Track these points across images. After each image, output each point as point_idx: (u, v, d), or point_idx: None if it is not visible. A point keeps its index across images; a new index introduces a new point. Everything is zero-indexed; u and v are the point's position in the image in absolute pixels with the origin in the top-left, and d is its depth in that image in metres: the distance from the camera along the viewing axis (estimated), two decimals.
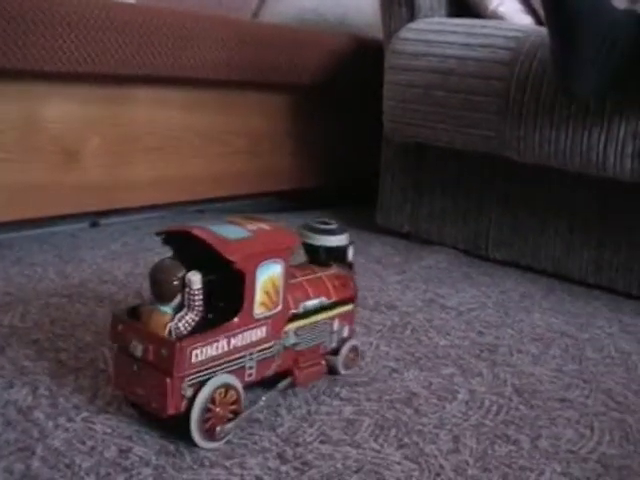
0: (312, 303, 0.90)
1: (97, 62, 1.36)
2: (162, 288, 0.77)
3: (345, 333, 0.95)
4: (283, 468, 0.75)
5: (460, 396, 0.95)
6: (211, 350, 0.76)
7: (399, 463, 0.78)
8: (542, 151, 1.35)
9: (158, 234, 0.81)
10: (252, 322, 0.80)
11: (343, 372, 0.96)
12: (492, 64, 1.40)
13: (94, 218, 1.59)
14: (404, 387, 0.96)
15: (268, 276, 0.81)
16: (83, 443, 0.76)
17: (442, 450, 0.82)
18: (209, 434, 0.77)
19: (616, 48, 1.17)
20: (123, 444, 0.77)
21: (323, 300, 0.91)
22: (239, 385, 0.80)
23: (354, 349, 0.98)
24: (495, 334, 1.18)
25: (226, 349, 0.78)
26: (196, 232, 0.79)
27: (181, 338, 0.75)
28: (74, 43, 1.32)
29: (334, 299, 0.93)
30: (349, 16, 2.14)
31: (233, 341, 0.79)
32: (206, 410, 0.76)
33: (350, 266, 0.99)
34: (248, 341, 0.80)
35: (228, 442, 0.79)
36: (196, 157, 1.64)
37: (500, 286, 1.42)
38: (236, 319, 0.79)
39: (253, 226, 0.84)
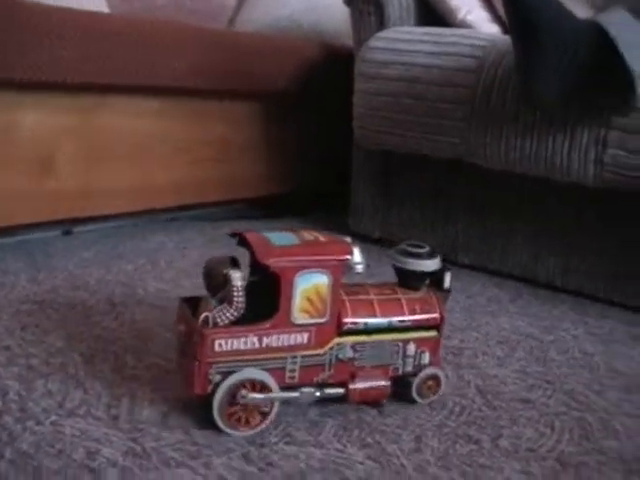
0: (377, 321, 0.90)
1: (70, 71, 1.37)
2: (208, 281, 0.87)
3: (425, 360, 0.94)
4: (247, 468, 0.77)
5: None
6: (238, 344, 0.82)
7: (361, 462, 0.80)
8: (508, 157, 1.38)
9: (231, 235, 0.90)
10: (289, 326, 0.84)
11: (418, 400, 0.95)
12: (458, 72, 1.42)
13: (67, 226, 1.60)
14: None
15: (312, 284, 0.84)
16: (51, 446, 0.78)
17: (404, 450, 0.84)
18: (234, 423, 0.83)
19: (578, 56, 1.20)
20: (91, 446, 0.78)
21: (393, 320, 0.91)
22: (272, 383, 0.84)
23: (433, 377, 0.95)
24: (460, 337, 1.20)
25: (257, 346, 0.83)
26: (245, 235, 0.86)
27: (207, 327, 0.81)
28: (47, 52, 1.33)
29: (409, 322, 0.93)
30: (322, 23, 2.15)
31: (266, 340, 0.83)
32: (232, 398, 0.82)
33: (447, 292, 0.98)
34: (285, 344, 0.84)
35: (194, 443, 0.81)
36: (165, 165, 1.66)
37: (467, 290, 1.45)
38: (270, 320, 0.83)
39: (309, 236, 0.88)
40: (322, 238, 0.88)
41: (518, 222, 1.51)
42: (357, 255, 0.90)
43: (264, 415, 0.85)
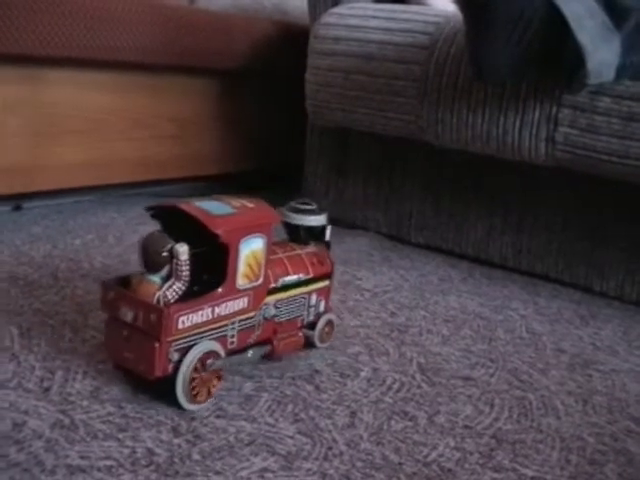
0: (291, 278, 0.95)
1: (21, 42, 1.34)
2: (152, 258, 0.82)
3: (321, 308, 1.01)
4: (175, 441, 0.76)
5: (363, 374, 0.97)
6: (196, 317, 0.81)
7: (292, 437, 0.79)
8: (459, 135, 1.37)
9: (148, 209, 0.87)
10: (235, 292, 0.85)
11: (319, 345, 1.02)
12: (411, 49, 1.41)
13: (17, 202, 1.57)
14: (308, 365, 0.97)
15: (251, 250, 0.86)
16: None
17: (337, 425, 0.83)
18: (194, 397, 0.82)
19: (528, 31, 1.19)
20: (18, 418, 0.77)
21: (301, 276, 0.96)
22: (222, 352, 0.85)
23: (330, 323, 1.03)
24: (407, 315, 1.20)
25: (210, 317, 0.83)
26: (184, 207, 0.85)
27: (169, 305, 0.79)
28: None
29: (311, 275, 0.98)
30: (285, 2, 2.14)
31: (217, 310, 0.84)
32: (192, 374, 0.81)
33: (328, 245, 1.04)
34: (231, 310, 0.85)
35: (124, 416, 0.80)
36: (122, 140, 1.63)
37: (419, 270, 1.44)
38: (220, 289, 0.83)
39: (237, 203, 0.89)
40: (248, 203, 0.91)
41: (472, 202, 1.50)
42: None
43: (219, 379, 0.86)
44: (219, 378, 0.86)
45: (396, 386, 0.94)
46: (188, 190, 1.86)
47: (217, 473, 0.72)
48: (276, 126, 1.96)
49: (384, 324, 1.15)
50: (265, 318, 0.91)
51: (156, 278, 0.82)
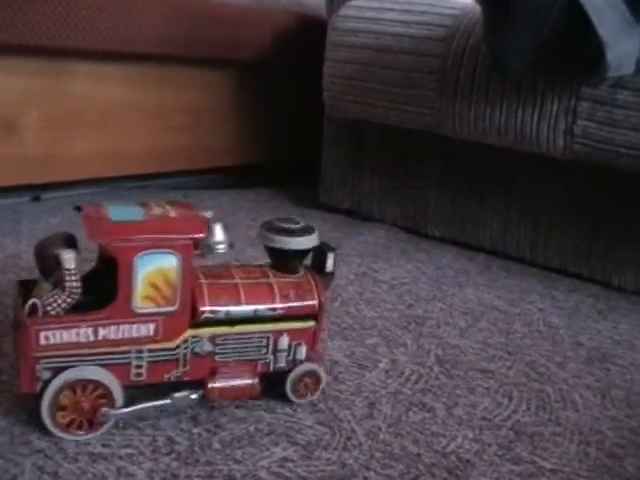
0: (241, 310, 0.78)
1: (36, 34, 1.34)
2: (40, 263, 0.74)
3: (301, 354, 0.82)
4: (195, 430, 0.76)
5: (381, 365, 0.97)
6: (69, 336, 0.71)
7: (311, 427, 0.79)
8: (477, 127, 1.37)
9: (76, 209, 0.78)
10: (131, 316, 0.72)
11: (295, 400, 0.84)
12: (428, 41, 1.40)
13: (35, 192, 1.58)
14: (326, 355, 0.97)
15: (157, 268, 0.72)
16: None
17: (356, 416, 0.83)
18: (66, 426, 0.73)
19: (549, 21, 1.18)
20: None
21: (260, 309, 0.78)
22: (111, 380, 0.73)
23: (311, 374, 0.83)
24: (425, 307, 1.19)
25: (92, 338, 0.72)
26: (84, 209, 0.75)
27: (33, 318, 0.70)
28: (13, 14, 1.30)
29: (280, 311, 0.79)
30: None
31: (102, 331, 0.72)
32: (61, 398, 0.72)
33: (329, 276, 0.86)
34: (127, 336, 0.73)
35: None
36: (136, 132, 1.63)
37: (436, 262, 1.44)
38: (106, 309, 0.72)
39: (158, 211, 0.76)
40: (173, 213, 0.76)
41: (489, 195, 1.50)
42: (218, 233, 0.77)
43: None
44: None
45: (414, 377, 0.94)
46: (202, 182, 1.86)
47: (237, 462, 0.72)
48: (292, 118, 1.96)
49: (401, 316, 1.15)
50: (196, 354, 0.76)
51: (47, 285, 0.73)
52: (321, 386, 0.84)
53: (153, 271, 0.72)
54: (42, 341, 0.70)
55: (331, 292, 1.16)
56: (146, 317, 0.73)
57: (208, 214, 0.79)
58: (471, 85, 1.36)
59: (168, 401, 0.76)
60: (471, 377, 0.96)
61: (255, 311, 0.78)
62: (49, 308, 0.71)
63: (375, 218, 1.66)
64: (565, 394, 0.94)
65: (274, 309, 0.79)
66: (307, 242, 0.82)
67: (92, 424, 0.73)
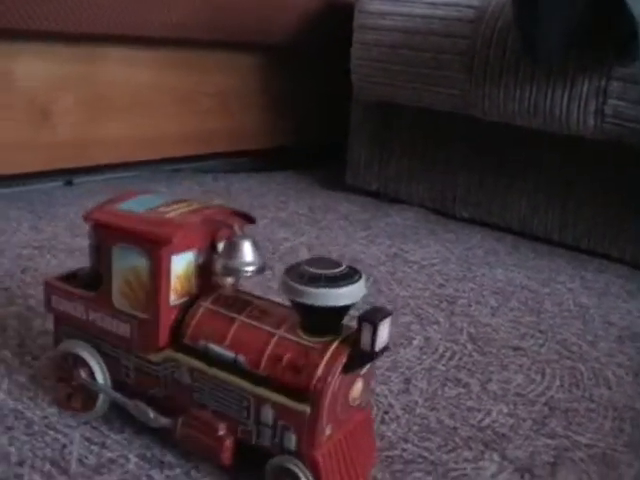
0: (220, 351, 0.64)
1: (70, 21, 1.36)
2: None
3: (290, 442, 0.61)
4: None
5: (415, 342, 0.98)
6: (67, 306, 0.72)
7: None
8: (506, 109, 1.37)
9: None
10: (110, 308, 0.69)
11: None
12: (457, 22, 1.41)
13: (68, 177, 1.60)
14: None
15: (131, 265, 0.66)
16: (47, 378, 0.79)
17: (393, 391, 0.85)
18: (66, 400, 0.75)
19: (579, 6, 1.18)
20: None
21: (240, 359, 0.63)
22: (103, 369, 0.72)
23: (289, 475, 0.62)
24: (455, 287, 1.20)
25: (84, 317, 0.71)
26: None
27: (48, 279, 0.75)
28: (48, 1, 1.32)
29: (262, 372, 0.62)
30: None
31: (92, 314, 0.70)
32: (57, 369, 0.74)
33: (368, 355, 0.61)
34: (110, 329, 0.69)
35: None
36: (167, 116, 1.65)
37: (465, 243, 1.45)
38: (95, 293, 0.70)
39: (174, 209, 0.69)
40: (182, 214, 0.67)
41: (517, 176, 1.50)
42: (247, 252, 0.66)
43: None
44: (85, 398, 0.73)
45: (448, 354, 0.95)
46: (231, 165, 1.88)
47: None
48: (319, 101, 1.96)
49: (433, 295, 1.16)
50: (176, 381, 0.66)
51: None
52: None
53: (128, 268, 0.66)
54: (53, 302, 0.73)
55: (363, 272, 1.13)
56: (123, 316, 0.68)
57: (238, 228, 0.68)
58: (500, 66, 1.36)
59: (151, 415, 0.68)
60: (504, 354, 0.97)
61: (235, 359, 0.63)
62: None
63: (402, 200, 1.66)
64: (597, 372, 0.95)
65: (255, 365, 0.63)
66: (344, 296, 0.62)
67: (86, 405, 0.73)
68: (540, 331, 1.06)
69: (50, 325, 0.89)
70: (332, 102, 1.91)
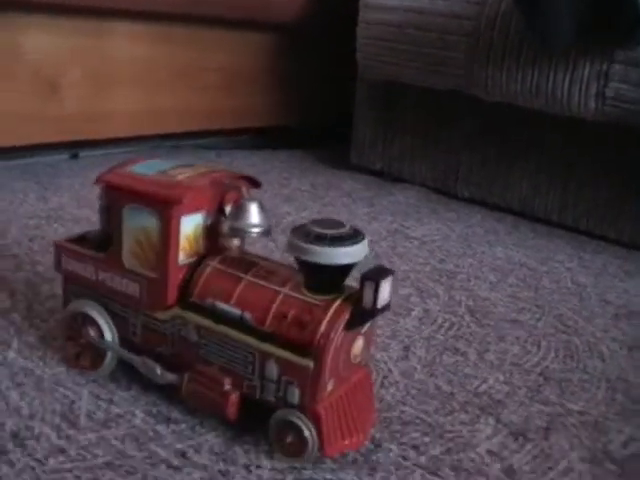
0: (227, 308, 0.66)
1: None
2: None
3: (293, 397, 0.64)
4: None
5: (414, 313, 1.00)
6: (77, 266, 0.74)
7: None
8: (509, 89, 1.38)
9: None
10: (121, 268, 0.70)
11: (273, 454, 0.67)
12: (462, 3, 1.42)
13: (74, 150, 1.62)
14: None
15: (141, 226, 0.68)
16: (55, 339, 0.82)
17: (392, 357, 0.87)
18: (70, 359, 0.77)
19: None
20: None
21: (247, 316, 0.65)
22: (111, 328, 0.74)
23: (294, 429, 0.65)
24: (455, 262, 1.22)
25: (94, 278, 0.73)
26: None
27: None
28: None
29: (268, 328, 0.65)
30: None
31: (101, 274, 0.72)
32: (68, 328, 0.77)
33: (367, 312, 0.63)
34: (119, 288, 0.71)
35: None
36: (172, 91, 1.67)
37: (466, 222, 1.47)
38: (105, 253, 0.72)
39: (182, 172, 0.70)
40: (190, 176, 0.69)
41: (518, 157, 1.52)
42: (253, 214, 0.68)
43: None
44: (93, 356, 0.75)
45: (447, 325, 0.98)
46: (235, 143, 1.90)
47: None
48: (323, 80, 1.98)
49: (433, 269, 1.18)
50: (182, 338, 0.69)
51: None
52: (307, 453, 0.65)
53: (139, 228, 0.68)
54: (63, 264, 0.75)
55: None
56: (133, 275, 0.70)
57: (245, 190, 0.71)
58: (503, 48, 1.37)
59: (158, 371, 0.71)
60: (501, 327, 0.99)
61: (241, 316, 0.66)
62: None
63: (405, 179, 1.68)
64: (592, 345, 0.97)
65: (261, 322, 0.65)
66: (346, 255, 0.63)
67: (95, 364, 0.75)
68: (537, 306, 1.08)
69: (57, 290, 0.92)
70: (337, 81, 1.93)
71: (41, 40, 1.42)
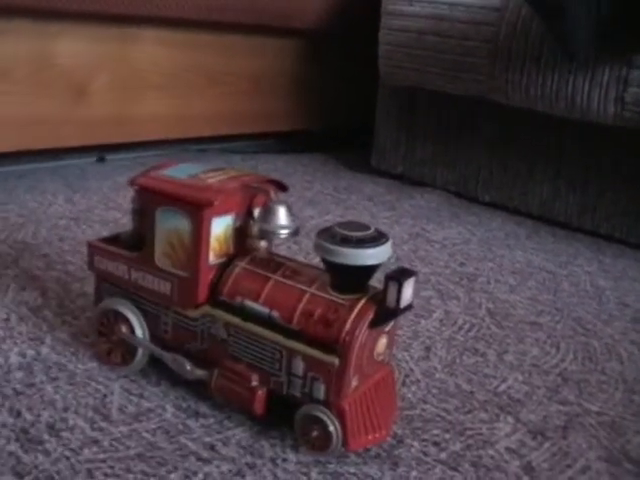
0: (256, 307, 0.69)
1: (106, 2, 1.40)
2: None
3: (318, 393, 0.66)
4: None
5: (435, 315, 1.02)
6: (109, 266, 0.77)
7: None
8: (529, 95, 1.40)
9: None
10: (153, 267, 0.73)
11: (300, 442, 0.69)
12: (482, 10, 1.44)
13: (101, 153, 1.66)
14: None
15: (174, 227, 0.70)
16: (86, 336, 0.85)
17: (413, 357, 0.89)
18: (107, 354, 0.79)
19: (602, 5, 1.21)
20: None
21: (274, 314, 0.68)
22: (143, 326, 0.76)
23: (319, 424, 0.67)
24: (476, 266, 1.24)
25: (126, 277, 0.75)
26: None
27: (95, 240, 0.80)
28: None
29: (295, 326, 0.67)
30: None
31: (134, 274, 0.75)
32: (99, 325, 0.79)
33: (390, 311, 0.65)
34: (151, 287, 0.74)
35: None
36: (198, 96, 1.70)
37: (486, 225, 1.48)
38: (138, 253, 0.74)
39: (213, 175, 0.73)
40: (221, 180, 0.71)
41: (538, 161, 1.54)
42: (282, 216, 0.71)
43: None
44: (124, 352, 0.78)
45: (467, 326, 1.00)
46: (259, 146, 1.92)
47: None
48: (346, 85, 2.00)
49: (454, 272, 1.20)
50: (212, 335, 0.71)
51: None
52: (332, 447, 0.67)
53: (171, 229, 0.71)
54: (95, 262, 0.78)
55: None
56: (164, 274, 0.72)
57: (273, 193, 0.73)
58: (524, 53, 1.39)
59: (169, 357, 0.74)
60: (520, 328, 1.01)
61: (269, 314, 0.68)
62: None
63: (426, 183, 1.70)
64: (610, 348, 0.99)
65: (288, 320, 0.67)
66: (369, 256, 0.66)
67: (125, 359, 0.78)
68: (556, 309, 1.10)
69: (88, 288, 0.95)
70: (358, 86, 1.95)
71: (71, 47, 1.45)
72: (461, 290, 1.12)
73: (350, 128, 2.02)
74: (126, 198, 1.37)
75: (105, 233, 1.16)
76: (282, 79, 1.87)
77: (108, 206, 1.32)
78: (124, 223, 1.23)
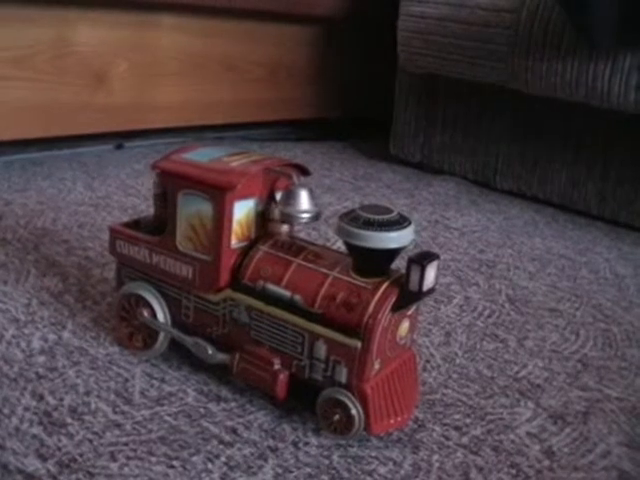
0: (278, 290, 0.69)
1: None
2: None
3: (340, 376, 0.66)
4: None
5: (455, 301, 1.02)
6: (131, 250, 0.77)
7: None
8: (549, 82, 1.39)
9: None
10: (175, 251, 0.73)
11: (321, 425, 0.69)
12: None
13: (119, 140, 1.66)
14: None
15: (196, 211, 0.70)
16: (107, 321, 0.85)
17: (434, 342, 0.89)
18: (128, 339, 0.80)
19: None
20: None
21: (297, 298, 0.68)
22: (164, 310, 0.77)
23: (342, 407, 0.67)
24: (495, 252, 1.24)
25: (148, 261, 0.75)
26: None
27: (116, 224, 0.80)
28: None
29: (318, 309, 0.67)
30: None
31: (155, 257, 0.75)
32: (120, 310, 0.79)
33: (413, 296, 0.65)
34: (173, 271, 0.74)
35: None
36: (215, 83, 1.70)
37: (505, 213, 1.48)
38: (159, 237, 0.74)
39: (236, 159, 0.72)
40: (244, 164, 0.71)
41: (557, 149, 1.53)
42: (304, 201, 0.71)
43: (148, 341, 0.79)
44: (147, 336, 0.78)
45: (487, 313, 1.00)
46: (277, 134, 1.92)
47: None
48: (365, 72, 2.00)
49: (473, 259, 1.20)
50: (233, 319, 0.71)
51: None
52: (354, 430, 0.67)
53: (193, 213, 0.70)
54: (117, 248, 0.78)
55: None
56: (186, 258, 0.72)
57: (295, 177, 0.73)
58: (544, 40, 1.38)
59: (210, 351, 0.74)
60: (540, 315, 1.01)
61: (291, 298, 0.68)
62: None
63: (445, 171, 1.70)
64: (631, 334, 0.98)
65: (311, 304, 0.67)
66: (391, 239, 0.66)
67: (145, 342, 0.78)
68: (576, 295, 1.10)
69: (108, 274, 0.96)
70: (377, 74, 1.95)
71: (90, 34, 1.46)
72: (481, 277, 1.12)
73: (369, 116, 2.02)
74: (144, 185, 1.38)
75: (124, 219, 1.17)
76: (300, 66, 1.87)
77: (127, 192, 1.33)
78: (142, 209, 1.23)
